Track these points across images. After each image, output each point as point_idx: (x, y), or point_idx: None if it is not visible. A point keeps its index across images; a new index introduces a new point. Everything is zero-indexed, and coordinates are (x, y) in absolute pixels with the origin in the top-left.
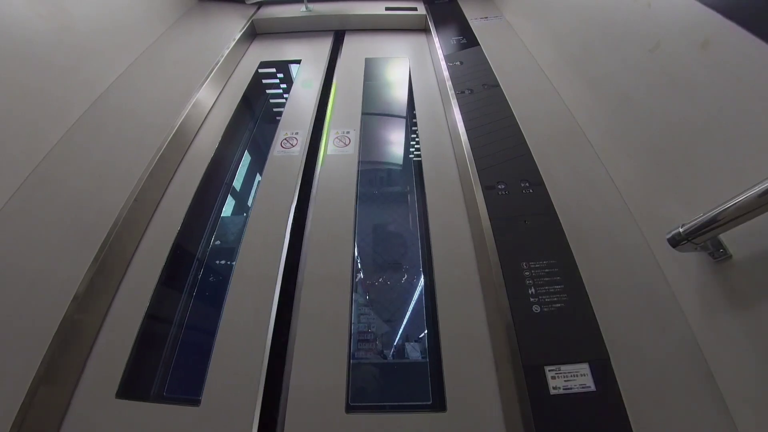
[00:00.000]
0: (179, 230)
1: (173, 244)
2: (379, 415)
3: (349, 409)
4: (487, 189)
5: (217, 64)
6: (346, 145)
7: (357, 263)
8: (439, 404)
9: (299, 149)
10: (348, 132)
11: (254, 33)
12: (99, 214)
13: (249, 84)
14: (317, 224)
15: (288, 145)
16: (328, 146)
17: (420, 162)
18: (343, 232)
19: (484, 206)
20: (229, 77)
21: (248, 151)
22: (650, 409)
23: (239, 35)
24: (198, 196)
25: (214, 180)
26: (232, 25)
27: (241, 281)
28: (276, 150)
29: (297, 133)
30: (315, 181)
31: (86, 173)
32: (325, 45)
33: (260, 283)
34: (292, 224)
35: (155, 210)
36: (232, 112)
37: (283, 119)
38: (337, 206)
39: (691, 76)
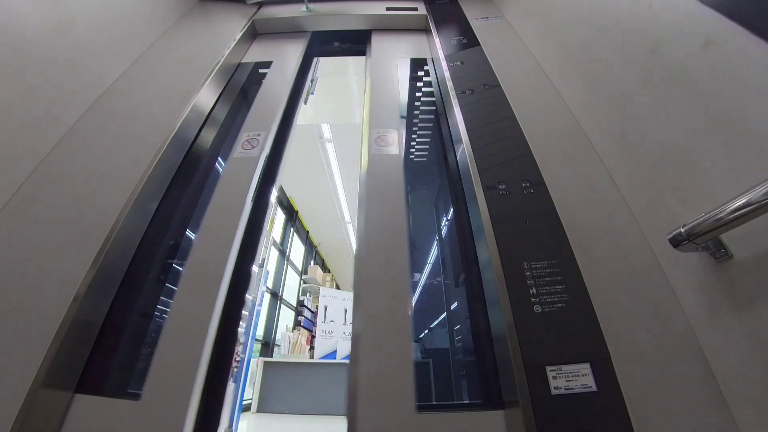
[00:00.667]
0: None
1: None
2: (449, 414)
3: (420, 408)
4: (488, 189)
5: (217, 64)
6: (390, 145)
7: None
8: (498, 402)
9: (258, 151)
10: (390, 132)
11: (255, 33)
12: (99, 215)
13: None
14: (370, 225)
15: (249, 146)
16: (371, 146)
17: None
18: (396, 233)
19: (485, 206)
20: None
21: None
22: (651, 409)
23: (240, 35)
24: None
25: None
26: (233, 25)
27: (189, 282)
28: (237, 152)
29: (259, 135)
30: (363, 182)
31: (86, 173)
32: (309, 46)
33: (206, 284)
34: (248, 225)
35: (156, 210)
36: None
37: (246, 120)
38: (387, 207)
39: (692, 77)
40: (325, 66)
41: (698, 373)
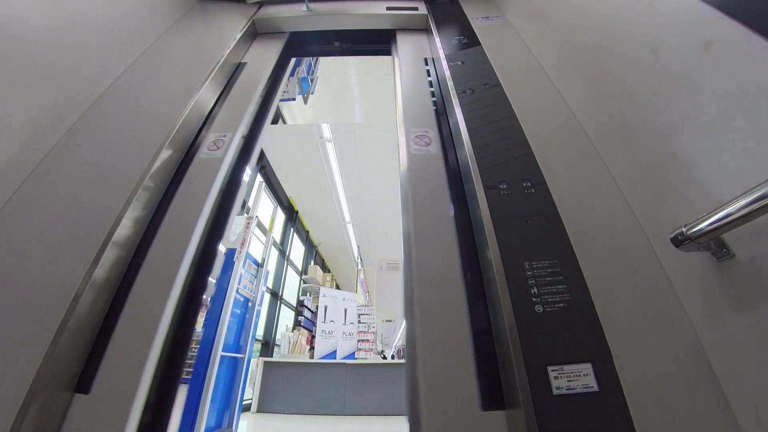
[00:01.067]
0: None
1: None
2: (513, 411)
3: (485, 406)
4: (488, 189)
5: (218, 63)
6: (428, 145)
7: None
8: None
9: (222, 152)
10: (426, 131)
11: (255, 33)
12: (99, 214)
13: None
14: (419, 225)
15: (214, 147)
16: (409, 146)
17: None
18: (444, 231)
19: (486, 206)
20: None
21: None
22: (653, 409)
23: (240, 35)
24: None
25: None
26: (233, 25)
27: (144, 280)
28: (203, 152)
29: (224, 136)
30: (406, 182)
31: (87, 173)
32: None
33: (160, 283)
34: (212, 227)
35: (156, 210)
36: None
37: (215, 121)
38: (433, 206)
39: (693, 77)
40: (325, 66)
41: (700, 372)
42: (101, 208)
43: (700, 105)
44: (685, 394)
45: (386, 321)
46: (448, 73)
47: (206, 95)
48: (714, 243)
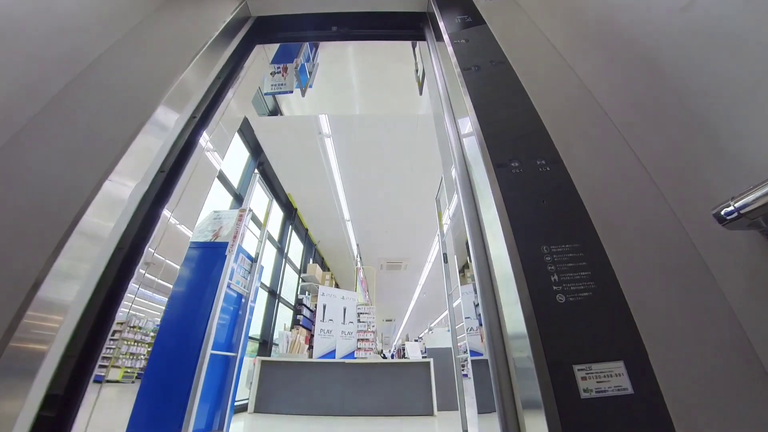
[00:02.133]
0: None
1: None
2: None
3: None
4: (499, 167)
5: (204, 45)
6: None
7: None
8: None
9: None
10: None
11: (248, 14)
12: (66, 198)
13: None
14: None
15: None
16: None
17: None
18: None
19: (497, 185)
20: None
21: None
22: (697, 413)
23: (230, 17)
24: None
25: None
26: (224, 7)
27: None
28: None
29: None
30: (464, 167)
31: (59, 152)
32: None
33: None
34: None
35: (131, 194)
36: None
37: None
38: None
39: (733, 32)
40: (323, 56)
41: (748, 370)
42: (70, 190)
43: (742, 63)
44: (733, 395)
45: (386, 320)
46: (451, 50)
47: (191, 78)
48: (764, 219)
